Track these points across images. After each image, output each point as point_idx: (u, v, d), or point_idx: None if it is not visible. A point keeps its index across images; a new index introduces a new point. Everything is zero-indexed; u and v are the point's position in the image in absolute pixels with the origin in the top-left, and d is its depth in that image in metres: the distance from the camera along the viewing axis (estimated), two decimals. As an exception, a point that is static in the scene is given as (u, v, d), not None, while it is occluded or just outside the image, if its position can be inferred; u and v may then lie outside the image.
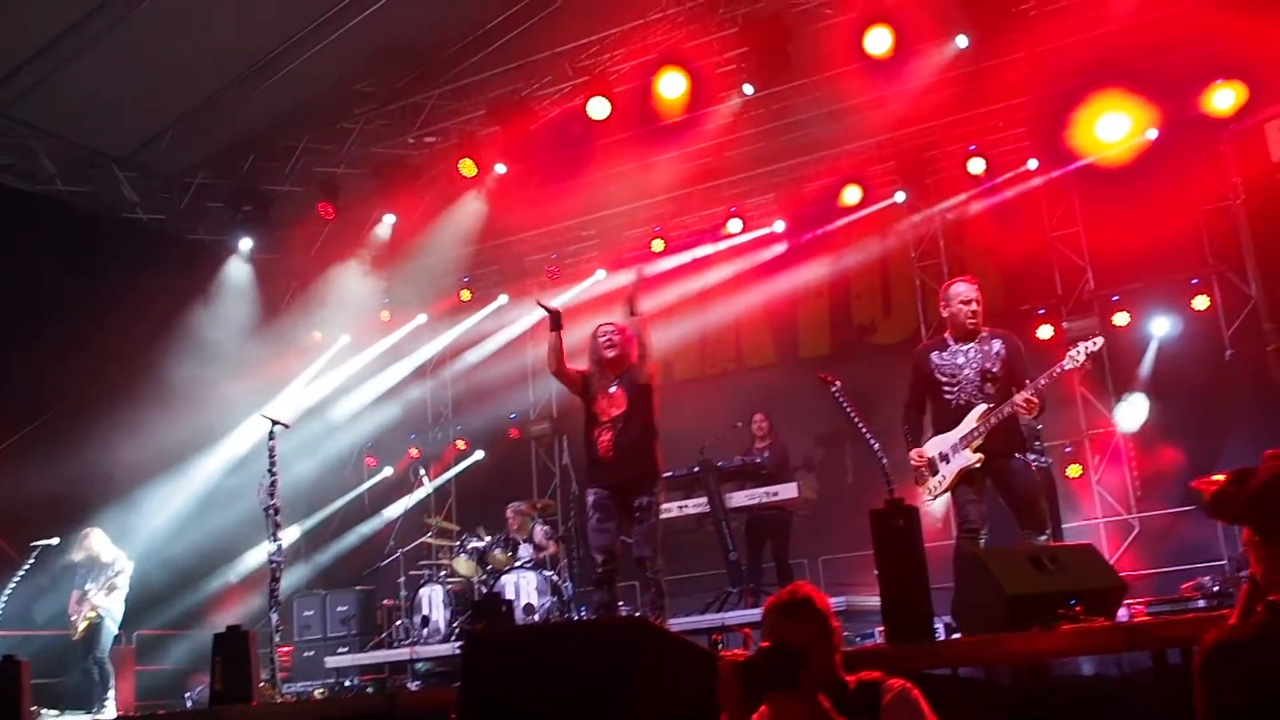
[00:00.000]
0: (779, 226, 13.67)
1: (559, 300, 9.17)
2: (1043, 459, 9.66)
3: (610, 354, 7.48)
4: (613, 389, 7.42)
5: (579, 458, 7.80)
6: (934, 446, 6.89)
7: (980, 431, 6.65)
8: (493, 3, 11.37)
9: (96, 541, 10.47)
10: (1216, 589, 8.55)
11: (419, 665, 10.44)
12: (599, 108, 10.85)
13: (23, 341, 10.94)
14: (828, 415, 12.17)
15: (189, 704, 10.71)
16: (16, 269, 10.90)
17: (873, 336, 14.01)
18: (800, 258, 13.73)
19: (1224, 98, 10.66)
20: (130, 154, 12.18)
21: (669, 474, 10.69)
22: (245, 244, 13.03)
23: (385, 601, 12.50)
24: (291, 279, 14.28)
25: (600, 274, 14.27)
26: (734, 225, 13.61)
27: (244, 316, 13.07)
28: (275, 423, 7.92)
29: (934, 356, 6.98)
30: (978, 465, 6.66)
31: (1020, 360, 6.86)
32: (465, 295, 15.08)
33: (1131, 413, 11.83)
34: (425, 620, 10.76)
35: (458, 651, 8.58)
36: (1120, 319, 11.90)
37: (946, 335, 7.04)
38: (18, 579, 9.29)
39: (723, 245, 13.92)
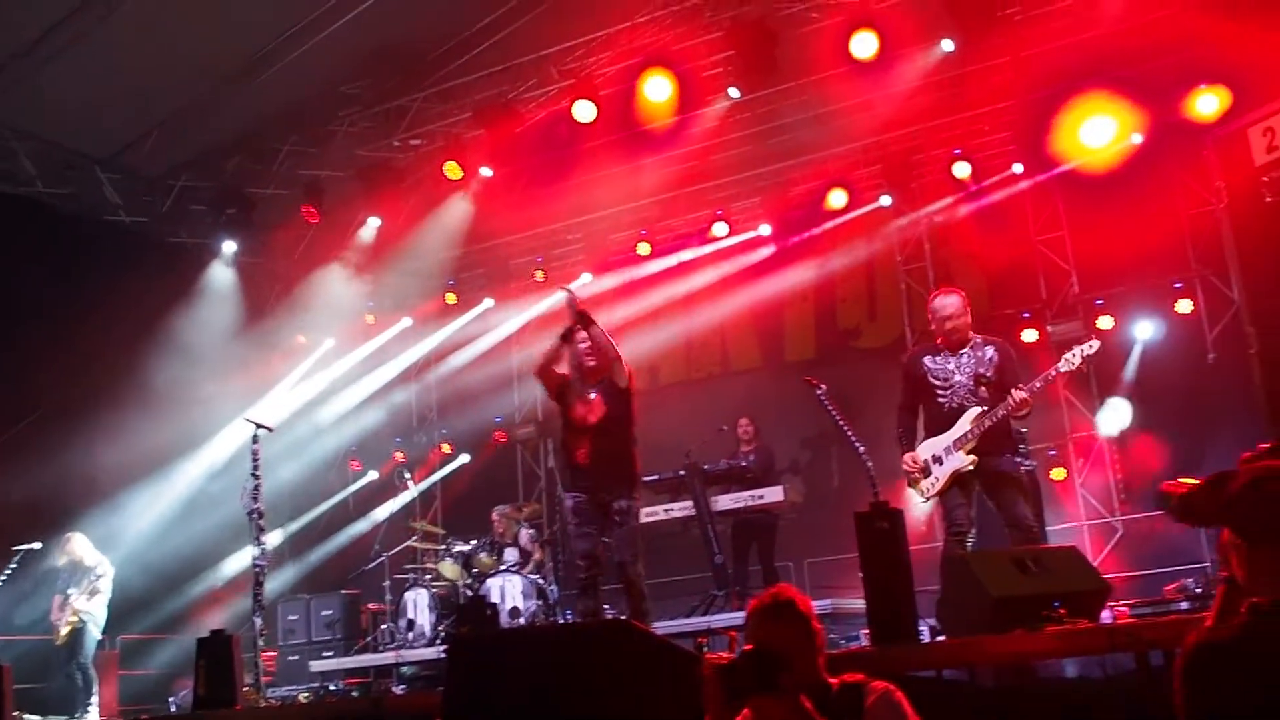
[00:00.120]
0: (765, 230, 13.67)
1: (543, 305, 9.15)
2: (1027, 462, 9.68)
3: (590, 362, 7.51)
4: (591, 396, 7.45)
5: (562, 462, 7.80)
6: (927, 449, 6.95)
7: (974, 434, 6.71)
8: (478, 5, 11.35)
9: (79, 545, 10.43)
10: (1199, 591, 8.60)
11: (404, 669, 10.41)
12: (585, 111, 10.84)
13: (3, 345, 10.87)
14: (813, 419, 12.14)
15: (173, 709, 10.65)
16: (-3, 271, 10.85)
17: (858, 340, 14.03)
18: (786, 261, 13.73)
19: (1208, 103, 10.69)
20: (112, 155, 12.11)
21: (655, 477, 10.79)
22: (229, 247, 12.96)
23: (370, 605, 12.45)
24: (275, 282, 14.21)
25: (586, 277, 14.26)
26: (720, 229, 13.60)
27: (228, 319, 13.00)
28: (259, 426, 7.91)
29: (926, 360, 7.04)
30: (970, 467, 6.71)
31: (1013, 368, 6.92)
32: (450, 298, 15.04)
33: (1113, 418, 11.87)
34: (410, 624, 10.74)
35: (443, 655, 8.56)
36: (1104, 323, 11.93)
37: (939, 340, 7.08)
38: (0, 584, 9.24)
39: (708, 249, 13.92)
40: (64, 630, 10.13)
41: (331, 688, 10.81)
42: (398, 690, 10.02)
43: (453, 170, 11.91)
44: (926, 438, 6.99)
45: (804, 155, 12.81)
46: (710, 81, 11.11)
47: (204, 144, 12.23)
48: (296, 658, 11.98)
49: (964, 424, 6.75)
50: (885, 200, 13.13)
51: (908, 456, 6.99)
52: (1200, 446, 10.63)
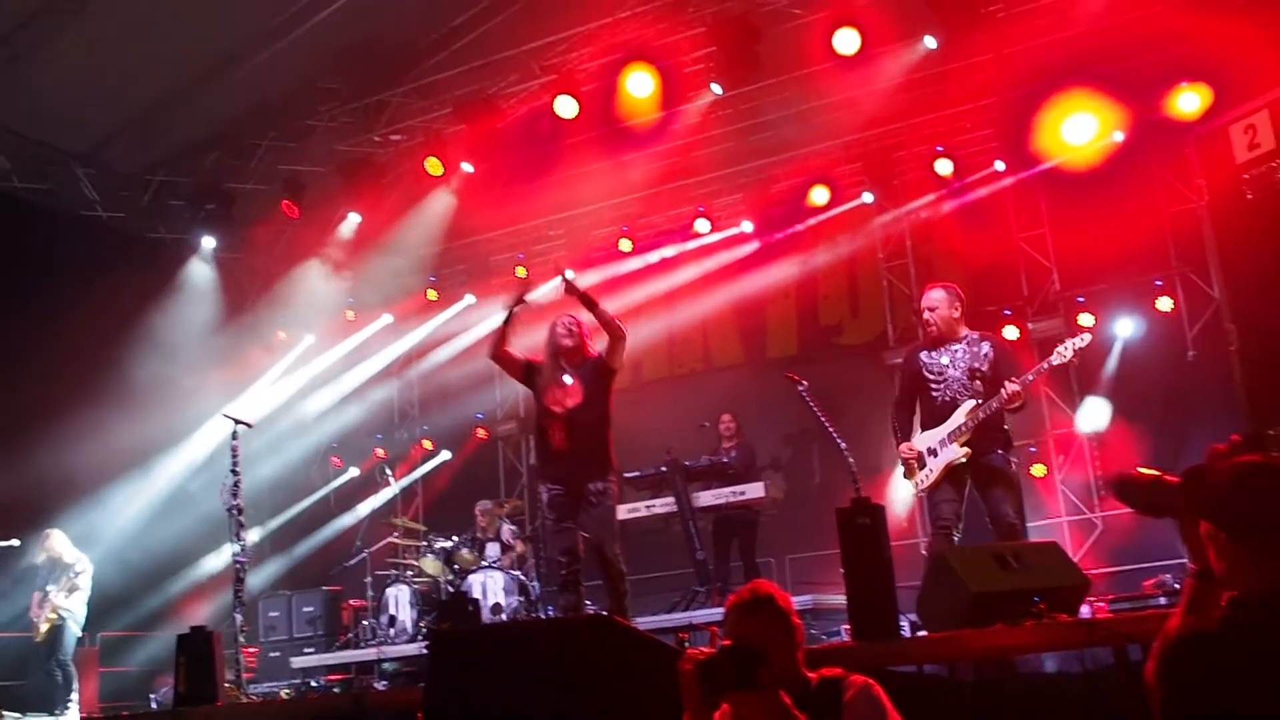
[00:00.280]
0: (747, 227, 13.66)
1: (536, 294, 9.02)
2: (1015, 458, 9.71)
3: (567, 343, 7.39)
4: (568, 379, 7.31)
5: (539, 448, 7.69)
6: (923, 441, 7.02)
7: (968, 426, 6.76)
8: (459, 0, 11.31)
9: (57, 543, 10.38)
10: (1177, 587, 8.61)
11: (386, 665, 10.38)
12: (566, 106, 10.82)
13: (-20, 342, 10.80)
14: (795, 415, 12.13)
15: (154, 705, 10.59)
16: (-28, 268, 10.77)
17: (840, 337, 14.03)
18: (768, 258, 13.72)
19: (1189, 100, 10.73)
20: (90, 151, 12.04)
21: (636, 474, 10.78)
22: (208, 243, 12.90)
23: (352, 602, 12.42)
24: (255, 278, 14.16)
25: (569, 274, 14.18)
26: (702, 225, 13.58)
27: (207, 316, 12.95)
28: (238, 423, 7.86)
29: (922, 355, 7.13)
30: (963, 460, 6.76)
31: (1007, 364, 6.94)
32: (431, 295, 15.00)
33: (1092, 416, 11.91)
34: (392, 620, 10.71)
35: (424, 651, 8.53)
36: (1085, 320, 11.93)
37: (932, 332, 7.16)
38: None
39: (691, 245, 13.90)
40: (43, 627, 10.09)
41: (313, 684, 10.78)
42: (379, 686, 9.98)
43: (434, 166, 11.86)
44: (922, 430, 7.05)
45: (786, 152, 12.80)
46: (692, 77, 11.10)
47: (182, 139, 12.16)
48: (278, 654, 11.93)
49: (959, 416, 6.82)
50: (867, 197, 13.13)
51: (904, 446, 7.06)
52: (1180, 443, 10.67)
